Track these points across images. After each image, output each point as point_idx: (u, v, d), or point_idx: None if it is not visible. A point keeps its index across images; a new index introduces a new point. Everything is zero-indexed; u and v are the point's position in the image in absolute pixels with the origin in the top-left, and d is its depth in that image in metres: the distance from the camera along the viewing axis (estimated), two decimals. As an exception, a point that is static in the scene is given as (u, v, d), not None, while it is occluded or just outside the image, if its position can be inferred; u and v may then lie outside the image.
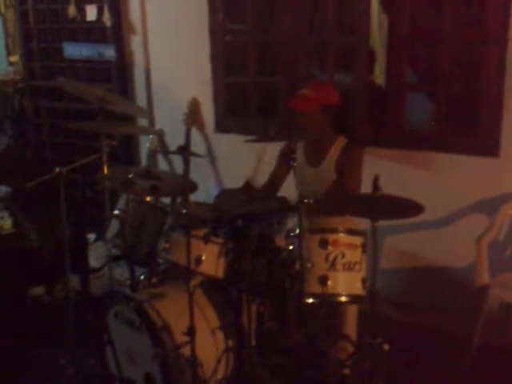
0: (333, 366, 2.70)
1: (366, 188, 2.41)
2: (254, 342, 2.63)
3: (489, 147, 3.27)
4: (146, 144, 4.44)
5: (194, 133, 4.16)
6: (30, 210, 4.32)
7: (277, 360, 2.66)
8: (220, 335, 2.64)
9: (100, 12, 4.44)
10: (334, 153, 2.95)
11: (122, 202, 2.99)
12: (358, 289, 2.51)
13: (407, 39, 3.46)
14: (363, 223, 2.59)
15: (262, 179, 3.29)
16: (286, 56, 3.86)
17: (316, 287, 2.46)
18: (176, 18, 4.20)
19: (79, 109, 4.73)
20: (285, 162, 3.08)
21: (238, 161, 4.05)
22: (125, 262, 3.12)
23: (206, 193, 3.03)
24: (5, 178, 4.39)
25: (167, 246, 2.64)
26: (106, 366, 2.74)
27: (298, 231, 2.45)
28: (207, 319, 2.64)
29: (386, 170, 2.88)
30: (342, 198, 2.72)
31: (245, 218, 2.60)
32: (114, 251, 3.12)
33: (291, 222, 2.81)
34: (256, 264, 2.59)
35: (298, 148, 3.03)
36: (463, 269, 3.39)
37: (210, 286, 2.74)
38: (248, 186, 2.89)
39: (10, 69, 5.68)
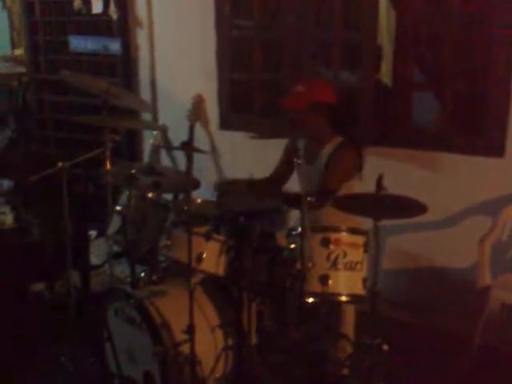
0: (332, 365, 2.69)
1: (369, 187, 2.38)
2: (253, 341, 2.61)
3: (494, 148, 3.24)
4: (149, 140, 4.42)
5: (198, 129, 4.14)
6: (32, 205, 4.31)
7: (276, 359, 2.65)
8: (219, 333, 2.63)
9: (106, 5, 4.42)
10: (327, 151, 2.91)
11: (124, 198, 2.98)
12: (359, 289, 2.49)
13: (415, 37, 3.44)
14: (366, 222, 2.57)
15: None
16: (292, 53, 3.84)
17: (317, 286, 2.44)
18: (182, 13, 4.19)
19: (83, 103, 4.72)
20: (288, 158, 3.05)
21: (242, 158, 4.04)
22: (125, 260, 3.11)
23: (208, 190, 3.01)
24: (8, 172, 4.38)
25: (168, 242, 2.63)
26: (106, 363, 2.72)
27: (299, 230, 2.43)
28: (207, 317, 2.62)
29: (390, 169, 2.85)
30: (345, 196, 2.69)
31: (247, 216, 2.58)
32: (115, 248, 3.11)
33: (293, 220, 2.80)
34: (257, 262, 2.57)
35: (300, 145, 3.01)
36: (465, 270, 3.37)
37: (211, 283, 2.73)
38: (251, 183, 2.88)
39: (10, 64, 5.67)
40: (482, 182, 3.29)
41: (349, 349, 2.71)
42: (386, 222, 2.43)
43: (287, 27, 3.83)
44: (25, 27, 5.22)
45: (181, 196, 2.97)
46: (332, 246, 2.47)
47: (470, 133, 3.44)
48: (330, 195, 2.73)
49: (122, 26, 4.44)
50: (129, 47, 4.50)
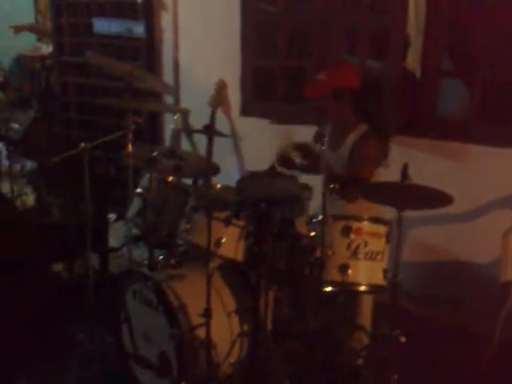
0: (347, 355, 2.66)
1: (394, 177, 2.34)
2: (269, 328, 2.60)
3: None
4: (170, 125, 4.41)
5: (219, 115, 4.11)
6: (53, 186, 4.34)
7: (292, 347, 2.63)
8: (236, 319, 2.62)
9: (131, -13, 4.41)
10: (351, 139, 2.87)
11: (145, 181, 2.98)
12: (379, 279, 2.46)
13: (445, 24, 3.36)
14: (387, 212, 2.53)
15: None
16: (317, 39, 3.79)
17: (336, 275, 2.42)
18: (207, -4, 4.15)
19: (106, 86, 4.73)
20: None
21: (263, 145, 4.00)
22: (144, 244, 3.12)
23: (228, 176, 2.99)
24: (30, 153, 4.41)
25: (188, 226, 2.62)
26: (122, 343, 2.73)
27: (320, 217, 2.40)
28: (224, 302, 2.62)
29: (414, 159, 2.79)
30: (370, 185, 2.65)
31: (268, 202, 2.55)
32: (135, 231, 3.11)
33: (314, 207, 2.76)
34: (276, 249, 2.55)
35: (327, 132, 2.96)
36: (487, 264, 3.32)
37: (229, 269, 2.71)
38: (273, 170, 2.84)
39: (38, 44, 5.70)
40: (508, 175, 3.23)
41: (365, 339, 2.69)
42: (408, 213, 2.38)
43: (313, 13, 3.77)
44: (50, 10, 5.24)
45: (200, 181, 2.96)
46: (353, 235, 2.45)
47: (497, 124, 3.37)
48: (362, 184, 2.69)
49: (146, 8, 4.42)
50: (153, 30, 4.48)
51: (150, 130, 4.63)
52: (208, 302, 2.40)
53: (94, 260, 3.10)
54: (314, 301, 2.51)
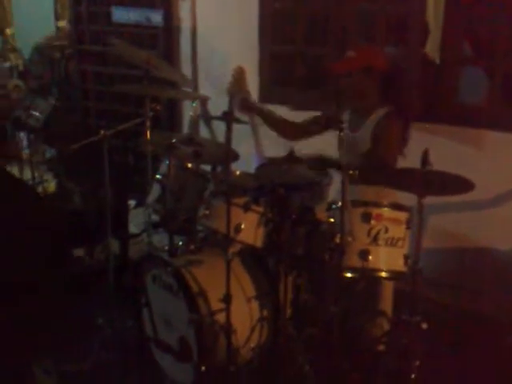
0: (368, 341, 2.66)
1: (414, 163, 2.32)
2: (289, 314, 2.61)
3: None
4: (188, 112, 4.41)
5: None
6: (73, 174, 4.38)
7: (311, 332, 2.64)
8: (255, 304, 2.63)
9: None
10: (372, 120, 2.84)
11: (164, 167, 2.99)
12: (400, 265, 2.45)
13: (466, 10, 3.32)
14: (406, 198, 2.51)
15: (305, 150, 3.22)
16: (335, 26, 3.76)
17: (356, 261, 2.41)
18: (225, -16, 4.14)
19: (125, 74, 4.74)
20: (325, 127, 3.01)
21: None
22: (163, 230, 3.13)
23: (247, 163, 2.99)
24: (51, 140, 4.45)
25: (207, 212, 2.63)
26: (143, 327, 2.76)
27: (340, 203, 2.39)
28: (243, 288, 2.63)
29: (434, 146, 2.77)
30: (389, 171, 2.63)
31: (286, 188, 2.55)
32: (154, 217, 3.13)
33: (333, 193, 2.76)
34: (295, 235, 2.55)
35: (345, 116, 2.94)
36: (508, 251, 3.29)
37: (248, 254, 2.72)
38: (292, 156, 2.83)
39: (58, 33, 5.73)
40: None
41: (386, 325, 2.68)
42: (429, 201, 2.37)
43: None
44: (69, -2, 5.25)
45: (219, 169, 2.97)
46: (373, 222, 2.44)
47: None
48: (387, 169, 2.67)
49: (165, -3, 4.42)
50: (171, 19, 4.48)
51: (169, 118, 4.64)
52: (228, 287, 2.41)
53: (114, 245, 3.12)
54: (334, 287, 2.51)
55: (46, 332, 2.83)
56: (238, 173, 2.80)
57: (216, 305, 2.47)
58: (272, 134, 4.10)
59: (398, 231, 2.45)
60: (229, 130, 2.41)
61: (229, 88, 4.07)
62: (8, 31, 5.93)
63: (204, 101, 4.36)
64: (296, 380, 2.54)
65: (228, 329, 2.44)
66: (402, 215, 2.48)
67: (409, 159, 2.82)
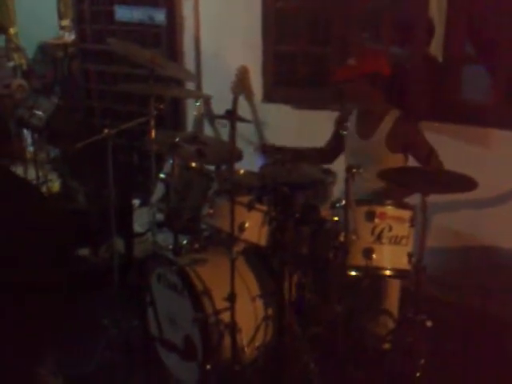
0: (373, 340, 2.67)
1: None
2: (293, 313, 2.61)
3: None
4: (192, 111, 4.41)
5: (241, 102, 4.10)
6: (77, 173, 4.38)
7: (316, 331, 2.64)
8: (260, 303, 2.63)
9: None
10: (385, 125, 2.84)
11: (168, 166, 2.99)
12: (404, 263, 2.46)
13: (467, 9, 3.31)
14: (413, 197, 2.51)
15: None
16: (338, 25, 3.76)
17: (360, 260, 2.42)
18: (228, -17, 4.14)
19: (128, 73, 4.74)
20: (338, 131, 3.00)
21: (286, 132, 3.99)
22: (168, 229, 3.14)
23: (251, 163, 2.99)
24: (55, 139, 4.45)
25: (211, 211, 2.63)
26: (148, 327, 2.77)
27: (344, 202, 2.39)
28: (248, 287, 2.63)
29: (438, 145, 2.79)
30: (394, 169, 2.62)
31: (290, 187, 2.55)
32: (158, 216, 3.13)
33: (337, 192, 2.76)
34: (299, 234, 2.55)
35: (351, 118, 2.95)
36: (512, 250, 3.29)
37: (252, 253, 2.73)
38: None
39: (62, 33, 5.74)
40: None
41: (391, 324, 2.68)
42: (433, 199, 2.37)
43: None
44: (72, -3, 5.26)
45: (223, 168, 2.97)
46: (377, 220, 2.44)
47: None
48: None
49: (167, -4, 4.42)
50: (174, 18, 4.48)
51: (173, 117, 4.65)
52: (232, 286, 2.41)
53: (119, 245, 3.13)
54: (338, 285, 2.51)
55: (50, 333, 2.83)
56: (242, 172, 2.81)
57: (221, 304, 2.47)
58: (275, 133, 4.12)
59: (402, 229, 2.46)
60: (233, 128, 2.41)
61: (232, 87, 4.08)
62: (11, 30, 5.94)
63: (208, 100, 4.36)
64: (301, 379, 2.54)
65: (233, 328, 2.44)
66: (406, 213, 2.48)
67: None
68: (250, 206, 2.56)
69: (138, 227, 3.75)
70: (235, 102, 2.52)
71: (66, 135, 4.26)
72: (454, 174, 2.30)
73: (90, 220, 3.74)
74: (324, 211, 2.61)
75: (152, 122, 3.15)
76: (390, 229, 2.43)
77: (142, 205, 4.13)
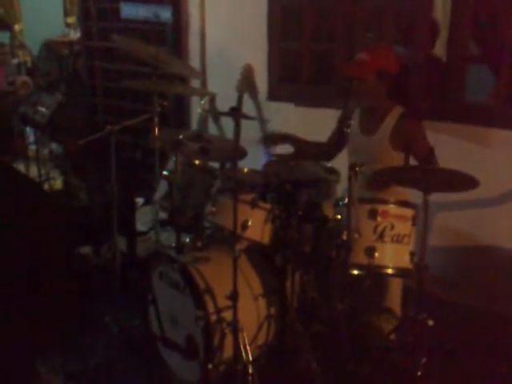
0: (375, 338, 2.66)
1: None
2: (296, 311, 2.60)
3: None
4: (197, 109, 4.41)
5: (246, 100, 4.10)
6: (80, 170, 4.38)
7: (318, 330, 2.63)
8: (262, 302, 2.63)
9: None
10: (389, 122, 2.82)
11: (171, 164, 2.99)
12: (406, 262, 2.44)
13: (471, 9, 3.29)
14: (413, 196, 2.50)
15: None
16: (343, 23, 3.74)
17: (362, 258, 2.41)
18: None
19: (133, 71, 4.75)
20: (341, 128, 2.99)
21: (290, 129, 3.98)
22: (171, 228, 3.13)
23: (255, 161, 2.99)
24: (57, 136, 4.46)
25: (214, 209, 2.62)
26: (149, 325, 2.76)
27: (346, 200, 2.38)
28: (250, 285, 2.62)
29: (440, 144, 2.76)
30: (396, 168, 2.62)
31: (293, 185, 2.55)
32: (161, 214, 3.13)
33: (340, 190, 2.75)
34: (302, 232, 2.55)
35: (354, 115, 2.94)
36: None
37: (255, 252, 2.72)
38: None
39: (67, 30, 5.75)
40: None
41: (393, 322, 2.67)
42: (435, 198, 2.36)
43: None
44: (78, -6, 5.27)
45: (227, 166, 2.96)
46: (379, 218, 2.43)
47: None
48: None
49: (173, -7, 4.42)
50: (180, 15, 4.48)
51: (177, 114, 4.65)
52: (235, 284, 2.40)
53: (121, 243, 3.12)
54: (340, 284, 2.51)
55: (52, 331, 2.84)
56: (245, 170, 2.80)
57: (223, 302, 2.46)
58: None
59: (404, 228, 2.44)
60: (237, 126, 2.40)
61: (237, 85, 4.07)
62: (16, 27, 5.95)
63: (212, 97, 4.35)
64: (303, 377, 2.53)
65: (235, 326, 2.43)
66: (408, 212, 2.47)
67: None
68: (253, 204, 2.55)
69: (140, 226, 3.74)
70: (240, 99, 2.51)
71: (69, 132, 4.26)
72: (456, 172, 2.28)
73: (92, 218, 3.74)
74: (328, 209, 2.61)
75: (155, 119, 3.15)
76: (393, 227, 2.42)
77: (145, 203, 4.13)
